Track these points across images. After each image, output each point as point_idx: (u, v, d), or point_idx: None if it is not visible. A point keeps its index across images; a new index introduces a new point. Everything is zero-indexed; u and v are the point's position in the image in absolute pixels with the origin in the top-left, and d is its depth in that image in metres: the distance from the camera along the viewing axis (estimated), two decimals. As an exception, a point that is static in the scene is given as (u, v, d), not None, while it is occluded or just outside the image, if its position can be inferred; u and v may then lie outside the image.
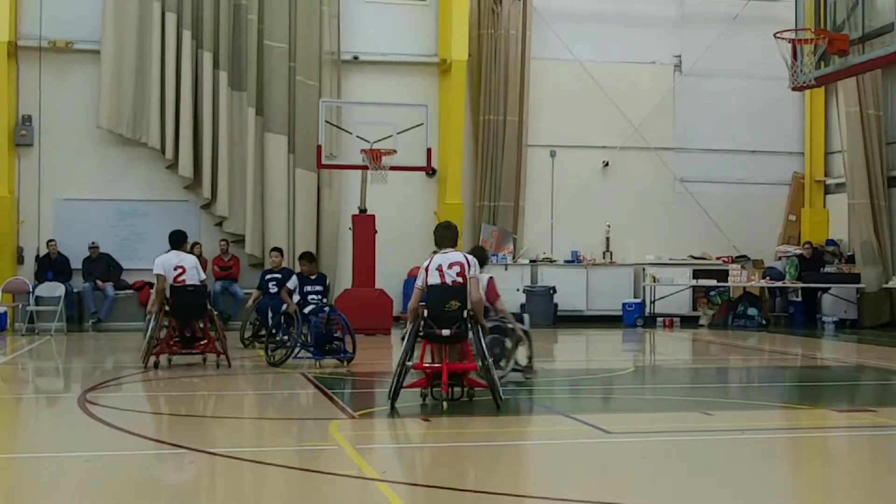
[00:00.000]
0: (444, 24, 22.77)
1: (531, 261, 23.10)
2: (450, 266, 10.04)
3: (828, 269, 23.25)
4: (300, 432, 9.49)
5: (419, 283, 10.19)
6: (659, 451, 8.65)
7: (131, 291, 21.06)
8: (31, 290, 20.04)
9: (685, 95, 24.32)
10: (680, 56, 24.41)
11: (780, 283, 23.02)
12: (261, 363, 14.33)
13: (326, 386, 11.89)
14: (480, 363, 9.94)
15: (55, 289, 20.00)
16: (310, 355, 13.89)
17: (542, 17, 23.50)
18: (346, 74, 22.69)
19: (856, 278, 22.70)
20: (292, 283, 14.45)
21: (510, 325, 11.54)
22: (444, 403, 9.95)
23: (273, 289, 16.42)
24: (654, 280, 22.53)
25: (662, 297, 22.49)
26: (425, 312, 9.97)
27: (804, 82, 15.29)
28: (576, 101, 23.63)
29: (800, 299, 23.26)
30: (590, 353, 17.03)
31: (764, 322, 22.86)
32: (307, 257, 15.01)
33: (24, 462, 8.03)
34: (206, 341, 13.95)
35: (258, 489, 7.12)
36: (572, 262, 23.38)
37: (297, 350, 13.80)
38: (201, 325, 14.00)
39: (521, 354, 11.91)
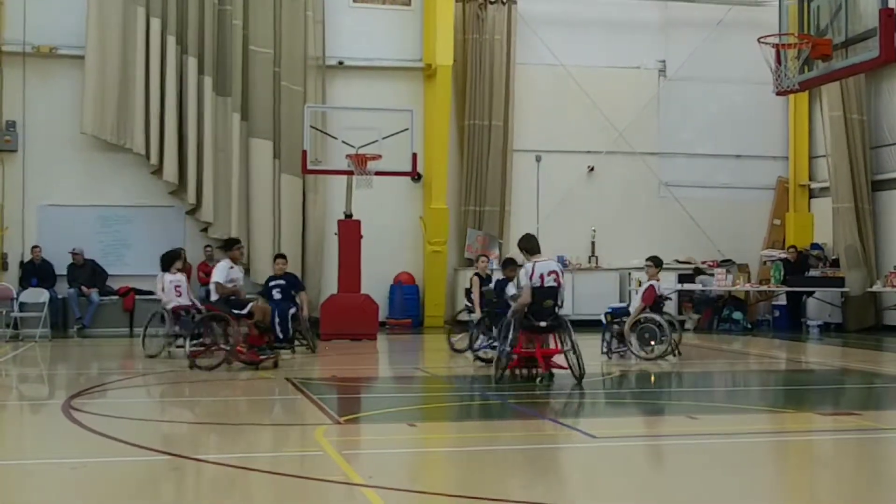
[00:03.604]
0: (428, 29, 22.78)
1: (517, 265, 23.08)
2: (549, 273, 12.56)
3: (812, 272, 23.32)
4: (286, 438, 9.47)
5: (524, 282, 12.52)
6: (645, 455, 8.67)
7: (116, 297, 21.00)
8: (15, 296, 19.94)
9: (669, 100, 24.41)
10: (664, 61, 24.50)
11: (765, 287, 23.12)
12: (247, 368, 14.27)
13: (312, 391, 11.87)
14: (570, 347, 12.53)
15: (39, 295, 19.88)
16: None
17: (527, 23, 23.54)
18: (331, 79, 22.69)
19: (840, 282, 22.76)
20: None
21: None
22: (539, 379, 12.49)
23: (277, 295, 16.62)
24: (640, 284, 22.49)
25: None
26: (526, 309, 12.48)
27: (788, 87, 15.31)
28: (560, 106, 23.69)
29: (785, 303, 23.34)
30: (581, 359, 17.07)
31: (749, 326, 22.94)
32: (513, 263, 14.87)
33: (9, 469, 7.99)
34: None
35: (244, 496, 7.10)
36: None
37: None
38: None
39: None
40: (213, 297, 14.75)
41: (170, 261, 16.58)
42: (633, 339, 15.59)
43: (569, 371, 12.62)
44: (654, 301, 15.72)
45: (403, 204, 22.85)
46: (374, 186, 19.83)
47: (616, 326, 15.77)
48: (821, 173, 24.61)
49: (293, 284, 17.28)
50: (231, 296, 14.72)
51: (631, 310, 15.85)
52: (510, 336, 12.48)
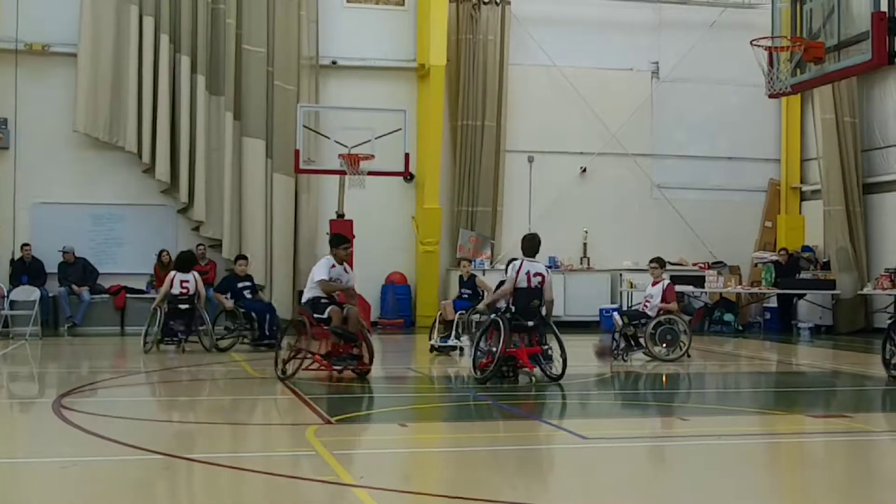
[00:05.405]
0: (422, 29, 22.78)
1: (508, 266, 23.08)
2: (535, 275, 13.09)
3: (803, 275, 23.36)
4: (277, 438, 9.47)
5: (508, 285, 13.07)
6: (636, 456, 8.68)
7: (107, 296, 20.97)
8: (5, 294, 19.89)
9: (662, 102, 24.43)
10: (657, 62, 24.52)
11: (756, 289, 23.16)
12: (236, 368, 14.22)
13: (303, 391, 11.86)
14: (557, 347, 12.89)
15: (30, 293, 19.83)
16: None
17: (521, 23, 23.55)
18: (325, 79, 22.67)
19: (831, 285, 22.80)
20: None
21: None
22: (532, 378, 12.84)
23: (249, 294, 17.65)
24: (632, 286, 22.57)
25: (640, 303, 22.53)
26: (513, 308, 12.86)
27: (780, 89, 15.31)
28: (553, 107, 23.69)
29: (776, 305, 23.38)
30: (567, 359, 17.07)
31: (740, 328, 22.97)
32: None
33: (-1, 468, 7.98)
34: None
35: (235, 495, 7.09)
36: (550, 267, 23.12)
37: None
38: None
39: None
40: (307, 295, 13.41)
41: (188, 263, 16.78)
42: (650, 341, 15.58)
43: (543, 371, 12.89)
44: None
45: (396, 204, 22.85)
46: (366, 186, 19.82)
47: (632, 328, 15.70)
48: (812, 176, 24.66)
49: (254, 284, 18.34)
50: (332, 294, 13.33)
51: (649, 311, 15.78)
52: (501, 336, 12.55)
